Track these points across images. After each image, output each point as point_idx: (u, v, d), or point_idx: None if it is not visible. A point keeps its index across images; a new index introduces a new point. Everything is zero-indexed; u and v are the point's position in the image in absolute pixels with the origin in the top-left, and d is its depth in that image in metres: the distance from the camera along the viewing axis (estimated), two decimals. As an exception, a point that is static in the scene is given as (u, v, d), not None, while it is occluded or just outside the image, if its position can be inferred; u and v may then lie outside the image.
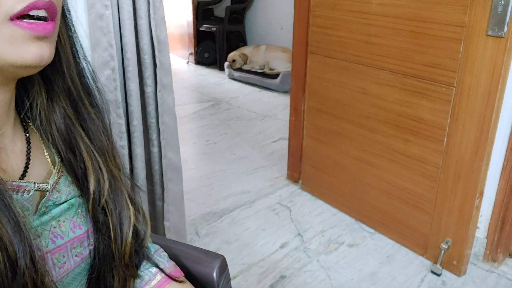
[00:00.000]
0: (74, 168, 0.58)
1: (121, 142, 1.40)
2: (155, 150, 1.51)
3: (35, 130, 0.57)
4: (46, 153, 0.57)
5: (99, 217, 0.59)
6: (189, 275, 0.73)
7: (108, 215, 0.59)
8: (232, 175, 2.48)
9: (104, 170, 0.59)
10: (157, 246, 0.73)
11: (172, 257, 0.74)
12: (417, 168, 1.72)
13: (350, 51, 1.85)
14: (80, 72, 0.58)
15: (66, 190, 0.57)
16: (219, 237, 1.93)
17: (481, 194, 1.59)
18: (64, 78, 0.56)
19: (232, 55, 4.47)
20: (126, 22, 1.31)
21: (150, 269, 0.67)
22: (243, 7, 4.81)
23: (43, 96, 0.56)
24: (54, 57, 0.49)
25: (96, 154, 0.59)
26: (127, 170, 1.42)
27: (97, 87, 0.60)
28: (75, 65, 0.57)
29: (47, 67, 0.50)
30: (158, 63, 1.39)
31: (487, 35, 1.41)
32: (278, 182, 2.39)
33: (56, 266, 0.54)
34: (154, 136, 1.49)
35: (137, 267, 0.67)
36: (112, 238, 0.59)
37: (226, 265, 0.75)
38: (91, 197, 0.58)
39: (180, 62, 5.07)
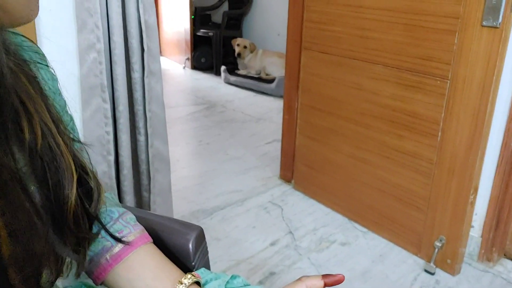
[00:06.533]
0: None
1: (106, 128, 1.37)
2: (141, 138, 1.47)
3: None
4: None
5: (37, 168, 0.51)
6: (164, 248, 0.69)
7: (46, 169, 0.52)
8: (224, 175, 2.44)
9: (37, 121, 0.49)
10: (122, 210, 0.67)
11: (147, 229, 0.69)
12: (411, 164, 1.69)
13: (345, 46, 1.82)
14: None
15: None
16: (208, 233, 1.86)
17: (476, 189, 1.55)
18: None
19: (241, 40, 4.45)
20: (113, 4, 1.28)
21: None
22: (241, 13, 4.81)
23: None
24: None
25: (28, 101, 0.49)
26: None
27: None
28: None
29: None
30: (146, 48, 1.36)
31: (482, 26, 1.38)
32: (270, 182, 2.35)
33: None
34: (140, 124, 1.45)
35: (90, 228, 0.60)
36: (52, 196, 0.53)
37: (204, 237, 0.70)
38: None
39: (176, 67, 5.05)
